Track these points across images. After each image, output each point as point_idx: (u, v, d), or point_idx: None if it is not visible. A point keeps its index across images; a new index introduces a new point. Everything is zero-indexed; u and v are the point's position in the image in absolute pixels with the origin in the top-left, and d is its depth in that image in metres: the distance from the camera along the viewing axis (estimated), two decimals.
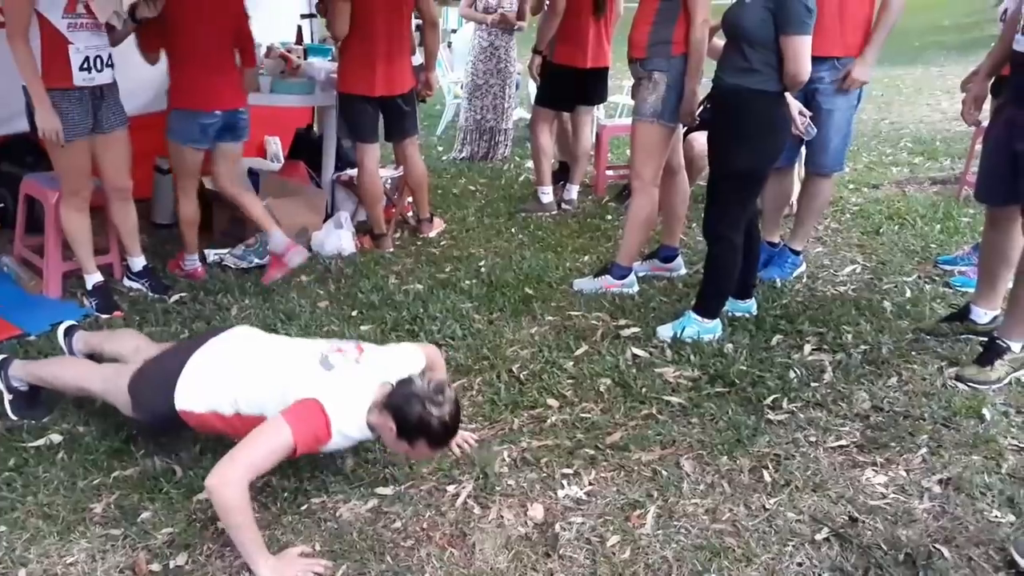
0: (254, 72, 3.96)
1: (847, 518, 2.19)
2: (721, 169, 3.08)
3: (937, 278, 3.87)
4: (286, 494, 2.29)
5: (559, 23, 4.71)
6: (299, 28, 5.32)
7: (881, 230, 4.58)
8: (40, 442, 2.51)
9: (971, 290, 3.41)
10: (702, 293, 3.26)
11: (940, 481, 2.34)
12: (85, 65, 3.13)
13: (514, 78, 6.48)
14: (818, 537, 2.11)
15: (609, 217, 4.99)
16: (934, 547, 2.07)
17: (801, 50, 2.85)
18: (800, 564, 2.03)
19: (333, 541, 2.12)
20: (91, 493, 2.29)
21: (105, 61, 3.21)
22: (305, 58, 4.92)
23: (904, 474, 2.38)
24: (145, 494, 2.29)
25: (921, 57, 13.41)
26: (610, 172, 5.72)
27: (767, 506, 2.24)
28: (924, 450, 2.48)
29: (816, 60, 2.96)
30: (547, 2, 4.86)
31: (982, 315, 3.14)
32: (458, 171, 6.15)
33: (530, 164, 6.04)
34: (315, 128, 5.53)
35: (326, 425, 2.08)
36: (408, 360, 2.35)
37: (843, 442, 2.54)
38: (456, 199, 5.37)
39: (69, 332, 2.89)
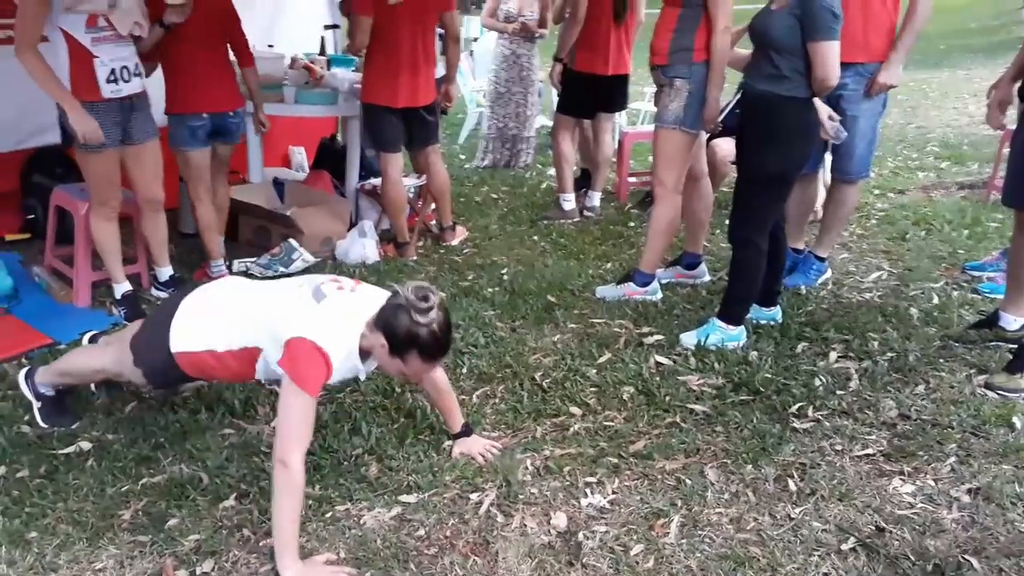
0: (254, 71, 3.97)
1: (874, 528, 2.16)
2: (751, 173, 3.07)
3: (965, 284, 3.82)
4: (311, 502, 2.30)
5: (580, 31, 4.73)
6: (322, 39, 5.37)
7: (907, 236, 4.53)
8: (70, 449, 2.55)
9: (1000, 296, 3.37)
10: (726, 299, 3.24)
11: (969, 491, 2.31)
12: (112, 77, 3.18)
13: (536, 86, 6.49)
14: (844, 547, 2.09)
15: (631, 224, 4.98)
16: (963, 558, 2.03)
17: (829, 55, 2.84)
18: (826, 574, 2.01)
19: (357, 548, 2.12)
20: (119, 500, 2.32)
21: (132, 71, 3.26)
22: (328, 68, 4.97)
23: (932, 483, 2.35)
24: (172, 501, 2.31)
25: (947, 60, 13.27)
26: (632, 179, 5.71)
27: (792, 515, 2.22)
28: (953, 459, 2.45)
29: (841, 66, 2.95)
30: (568, 10, 4.88)
31: (1011, 321, 3.09)
32: (480, 179, 6.17)
33: (552, 172, 6.05)
34: (339, 138, 5.58)
35: (325, 363, 2.10)
36: None
37: (870, 451, 2.51)
38: (478, 207, 5.39)
39: (93, 341, 2.95)
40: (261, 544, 2.13)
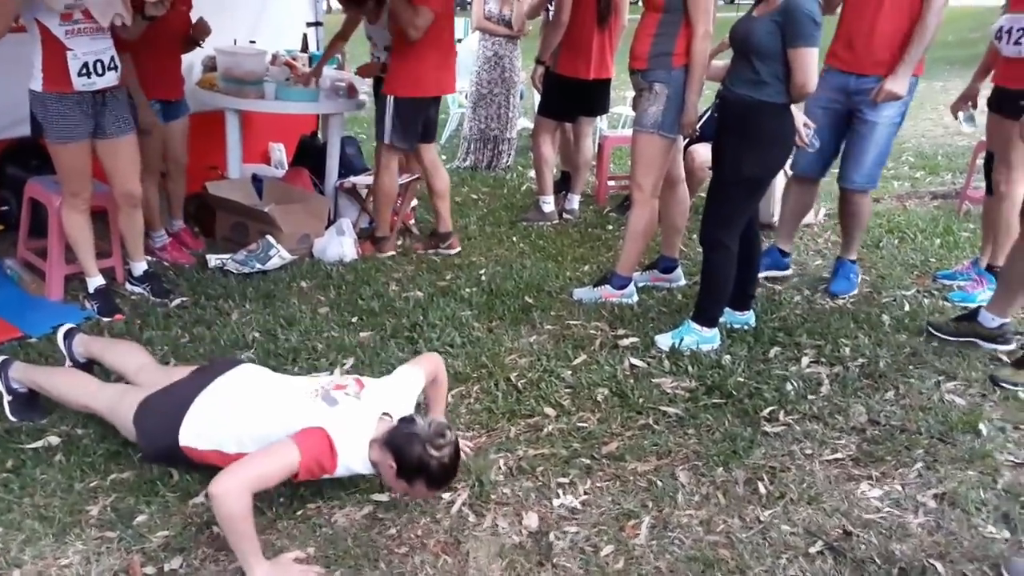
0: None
1: (841, 532, 2.19)
2: (726, 175, 3.10)
3: (936, 292, 3.88)
4: (282, 499, 2.30)
5: (563, 34, 4.73)
6: (304, 36, 5.35)
7: (881, 243, 4.59)
8: (38, 444, 2.52)
9: (970, 305, 3.46)
10: (699, 301, 3.28)
11: (935, 496, 2.34)
12: (84, 71, 3.13)
13: (518, 87, 6.51)
14: (812, 550, 2.11)
15: (610, 227, 5.01)
16: (928, 562, 2.07)
17: (808, 61, 2.88)
18: None
19: (328, 547, 2.12)
20: (87, 495, 2.30)
21: (107, 64, 3.21)
22: (310, 66, 4.95)
23: (899, 488, 2.38)
24: (141, 497, 2.29)
25: (925, 72, 13.42)
26: (611, 183, 5.74)
27: (761, 518, 2.25)
28: (920, 464, 2.49)
29: (865, 78, 3.13)
30: (550, 12, 4.89)
31: (990, 320, 3.18)
32: (461, 180, 6.16)
33: (532, 173, 6.05)
34: (320, 135, 5.55)
35: (332, 454, 2.11)
36: (407, 388, 2.40)
37: (839, 455, 2.54)
38: (458, 207, 5.38)
39: (69, 335, 2.89)
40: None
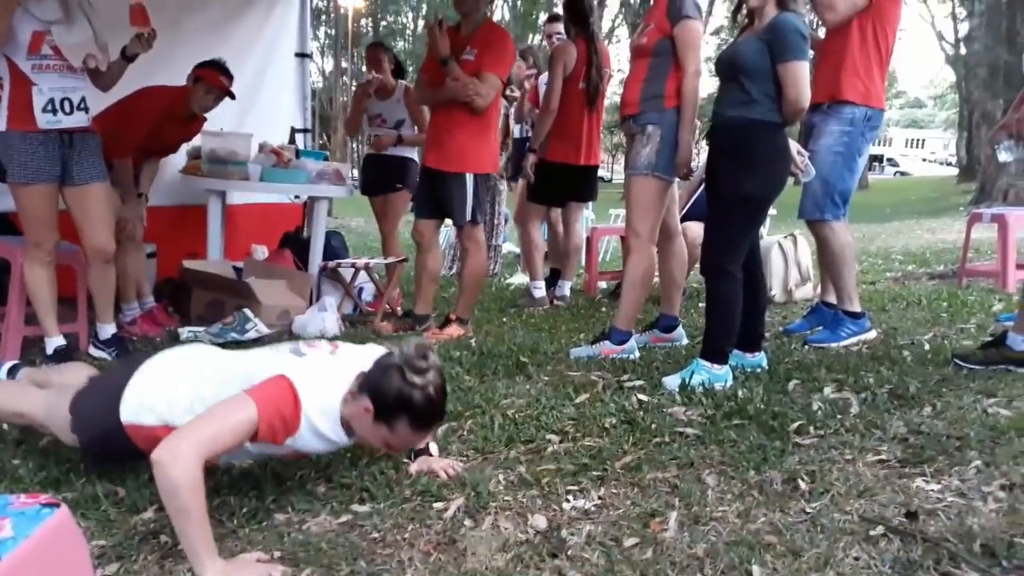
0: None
1: (904, 516, 1.86)
2: (723, 197, 2.97)
3: (954, 336, 3.65)
4: (244, 510, 1.96)
5: (552, 121, 4.76)
6: (292, 130, 5.39)
7: (887, 308, 4.42)
8: None
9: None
10: (706, 336, 3.04)
11: (1003, 487, 2.02)
12: (49, 107, 3.03)
13: (504, 196, 6.53)
14: (873, 533, 1.78)
15: (603, 309, 4.82)
16: (1014, 539, 1.73)
17: (800, 75, 2.84)
18: (857, 558, 1.69)
19: (297, 549, 1.77)
20: None
21: (76, 104, 3.10)
22: (297, 159, 4.93)
23: (959, 483, 2.06)
24: (79, 513, 1.94)
25: (894, 217, 14.01)
26: (601, 280, 5.62)
27: (808, 510, 1.92)
28: (977, 462, 2.16)
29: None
30: (529, 108, 4.96)
31: (1020, 342, 2.93)
32: (448, 282, 6.03)
33: (521, 278, 5.95)
34: (305, 230, 5.45)
35: (295, 405, 1.80)
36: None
37: (883, 457, 2.23)
38: (445, 300, 5.20)
39: (13, 371, 2.63)
40: (179, 548, 1.76)
